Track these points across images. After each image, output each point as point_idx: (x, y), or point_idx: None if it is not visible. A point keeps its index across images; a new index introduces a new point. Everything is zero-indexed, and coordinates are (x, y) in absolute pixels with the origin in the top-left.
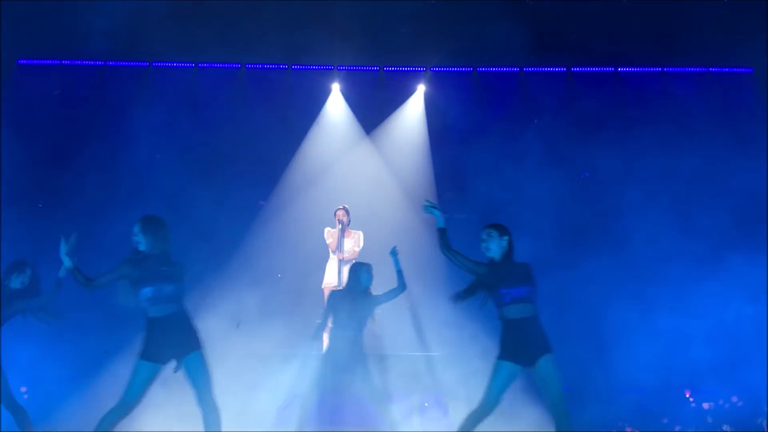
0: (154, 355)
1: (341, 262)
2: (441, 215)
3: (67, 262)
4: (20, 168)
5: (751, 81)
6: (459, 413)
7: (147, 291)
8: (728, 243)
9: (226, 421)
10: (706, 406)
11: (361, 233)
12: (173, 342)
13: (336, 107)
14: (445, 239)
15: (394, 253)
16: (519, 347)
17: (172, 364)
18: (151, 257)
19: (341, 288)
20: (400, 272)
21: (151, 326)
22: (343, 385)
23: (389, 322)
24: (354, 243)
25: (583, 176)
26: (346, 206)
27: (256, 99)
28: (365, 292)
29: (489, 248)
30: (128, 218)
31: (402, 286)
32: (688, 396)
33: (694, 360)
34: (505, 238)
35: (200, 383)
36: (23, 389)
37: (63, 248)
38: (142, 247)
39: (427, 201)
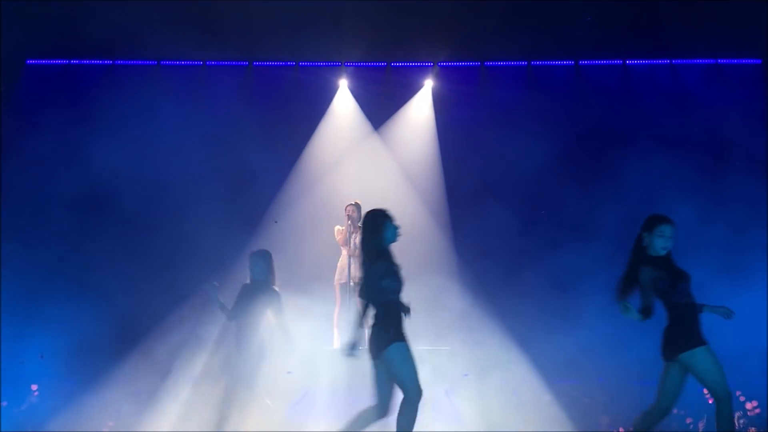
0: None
1: (351, 258)
2: (636, 311)
3: None
4: (29, 167)
5: (760, 72)
6: (466, 408)
7: (392, 282)
8: (736, 238)
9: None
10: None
11: None
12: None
13: (344, 104)
14: (641, 317)
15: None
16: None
17: None
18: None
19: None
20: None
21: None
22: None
23: None
24: None
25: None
26: (358, 201)
27: (263, 96)
28: (260, 283)
29: (668, 246)
30: (136, 216)
31: None
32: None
33: None
34: None
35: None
36: (34, 387)
37: None
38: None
39: (625, 304)
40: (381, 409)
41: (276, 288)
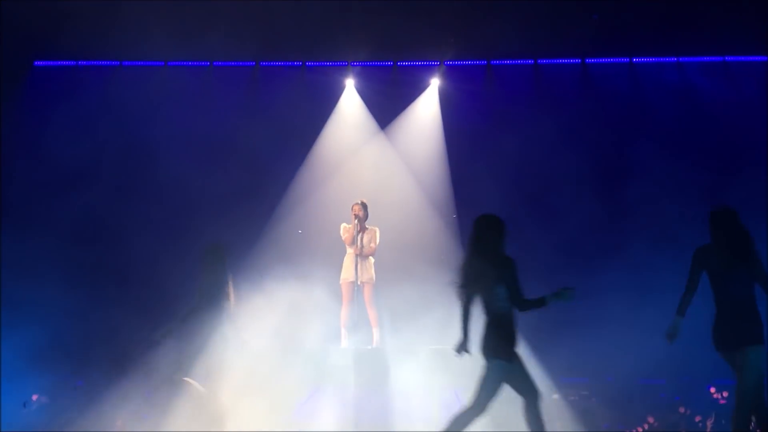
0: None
1: (357, 256)
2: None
3: None
4: (38, 168)
5: (767, 69)
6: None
7: (506, 293)
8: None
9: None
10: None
11: (377, 229)
12: None
13: (350, 103)
14: None
15: None
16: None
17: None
18: None
19: None
20: None
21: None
22: None
23: (407, 317)
24: (370, 239)
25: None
26: (364, 200)
27: (270, 97)
28: (209, 281)
29: None
30: (143, 217)
31: None
32: (714, 393)
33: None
34: None
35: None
36: (35, 397)
37: None
38: None
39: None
40: (531, 396)
41: (227, 284)
